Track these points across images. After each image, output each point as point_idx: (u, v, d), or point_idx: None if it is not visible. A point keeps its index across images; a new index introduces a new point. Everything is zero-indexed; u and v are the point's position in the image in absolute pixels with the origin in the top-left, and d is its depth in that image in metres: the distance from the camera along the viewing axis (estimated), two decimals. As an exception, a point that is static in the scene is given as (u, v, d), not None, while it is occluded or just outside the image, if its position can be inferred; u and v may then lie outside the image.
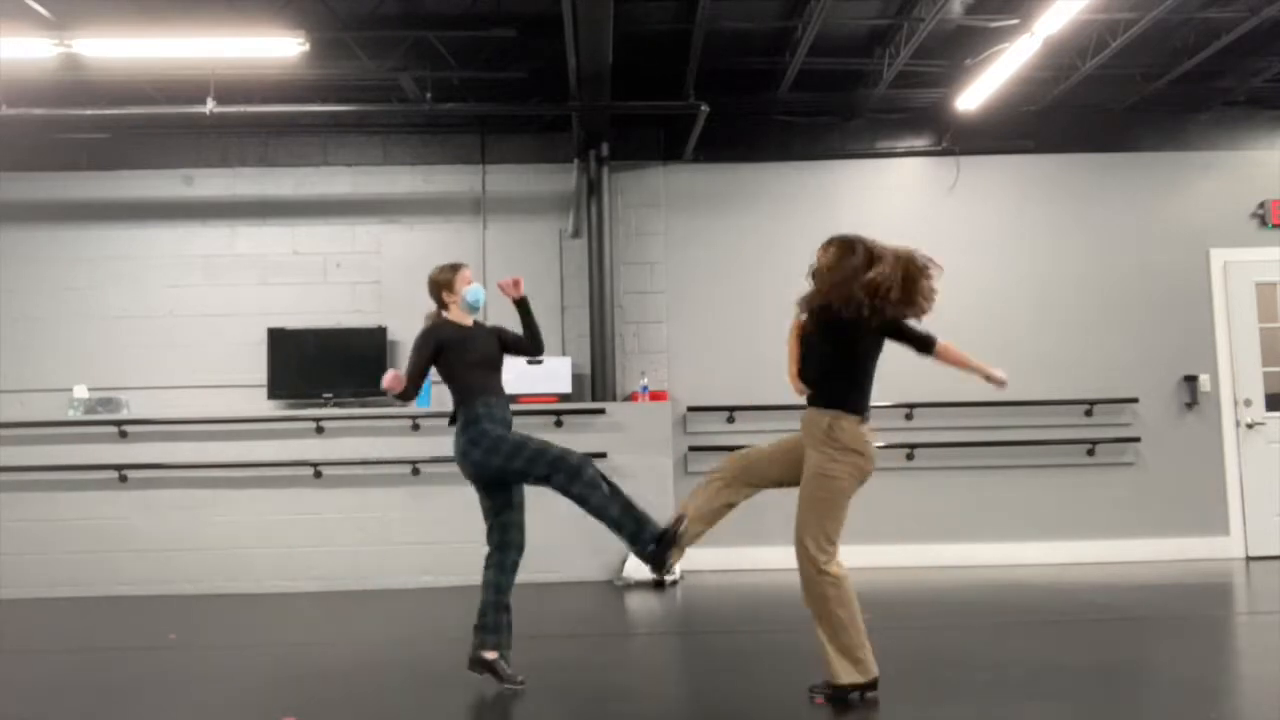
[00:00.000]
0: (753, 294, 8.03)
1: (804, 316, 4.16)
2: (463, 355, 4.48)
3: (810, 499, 4.03)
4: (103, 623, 6.50)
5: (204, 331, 8.02)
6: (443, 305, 4.64)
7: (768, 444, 4.34)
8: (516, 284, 4.71)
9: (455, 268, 4.66)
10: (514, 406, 4.71)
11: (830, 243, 4.15)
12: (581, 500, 4.22)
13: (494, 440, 4.32)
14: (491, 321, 4.93)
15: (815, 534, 4.00)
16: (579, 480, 4.21)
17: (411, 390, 4.39)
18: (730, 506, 4.28)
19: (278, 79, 7.28)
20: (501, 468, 4.31)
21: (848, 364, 4.06)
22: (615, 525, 4.24)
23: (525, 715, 4.11)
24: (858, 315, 3.92)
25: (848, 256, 4.02)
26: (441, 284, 4.63)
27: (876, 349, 4.11)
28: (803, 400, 4.19)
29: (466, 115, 8.02)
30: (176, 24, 6.28)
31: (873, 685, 3.98)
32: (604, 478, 4.26)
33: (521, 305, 4.72)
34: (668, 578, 4.20)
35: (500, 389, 4.55)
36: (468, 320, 4.63)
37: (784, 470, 4.18)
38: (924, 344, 4.16)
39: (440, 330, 4.54)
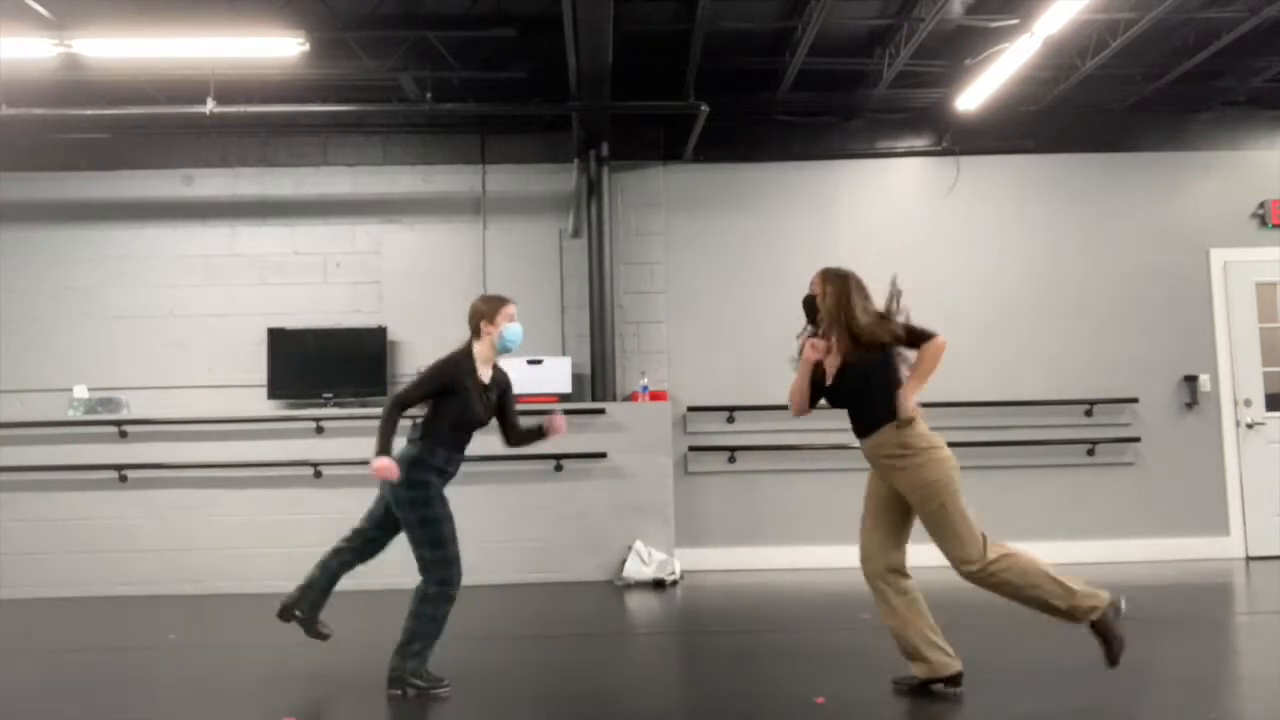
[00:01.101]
0: (753, 294, 8.04)
1: (821, 354, 4.16)
2: (461, 412, 4.29)
3: (931, 517, 3.97)
4: (103, 623, 6.50)
5: (204, 331, 8.02)
6: (476, 334, 4.40)
7: (864, 524, 4.21)
8: (560, 430, 4.54)
9: (501, 300, 4.45)
10: (515, 407, 4.65)
11: (826, 280, 4.17)
12: (416, 612, 4.23)
13: (418, 501, 4.22)
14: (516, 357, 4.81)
15: (960, 543, 3.94)
16: (436, 599, 4.21)
17: (396, 418, 4.25)
18: (911, 599, 4.11)
19: (278, 79, 7.28)
20: (404, 521, 4.26)
21: (888, 378, 4.10)
22: (404, 641, 4.24)
23: (525, 715, 4.10)
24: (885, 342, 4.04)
25: (848, 292, 4.10)
26: (482, 314, 4.39)
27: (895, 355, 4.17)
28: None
29: (466, 115, 8.02)
30: (176, 24, 6.28)
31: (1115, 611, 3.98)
32: (441, 618, 4.25)
33: (542, 437, 4.56)
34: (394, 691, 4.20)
35: (466, 448, 4.42)
36: (489, 365, 4.41)
37: (895, 515, 4.12)
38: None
39: (457, 373, 4.30)
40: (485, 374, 4.40)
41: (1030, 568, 3.94)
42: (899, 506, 4.08)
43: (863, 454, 4.17)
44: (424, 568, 4.26)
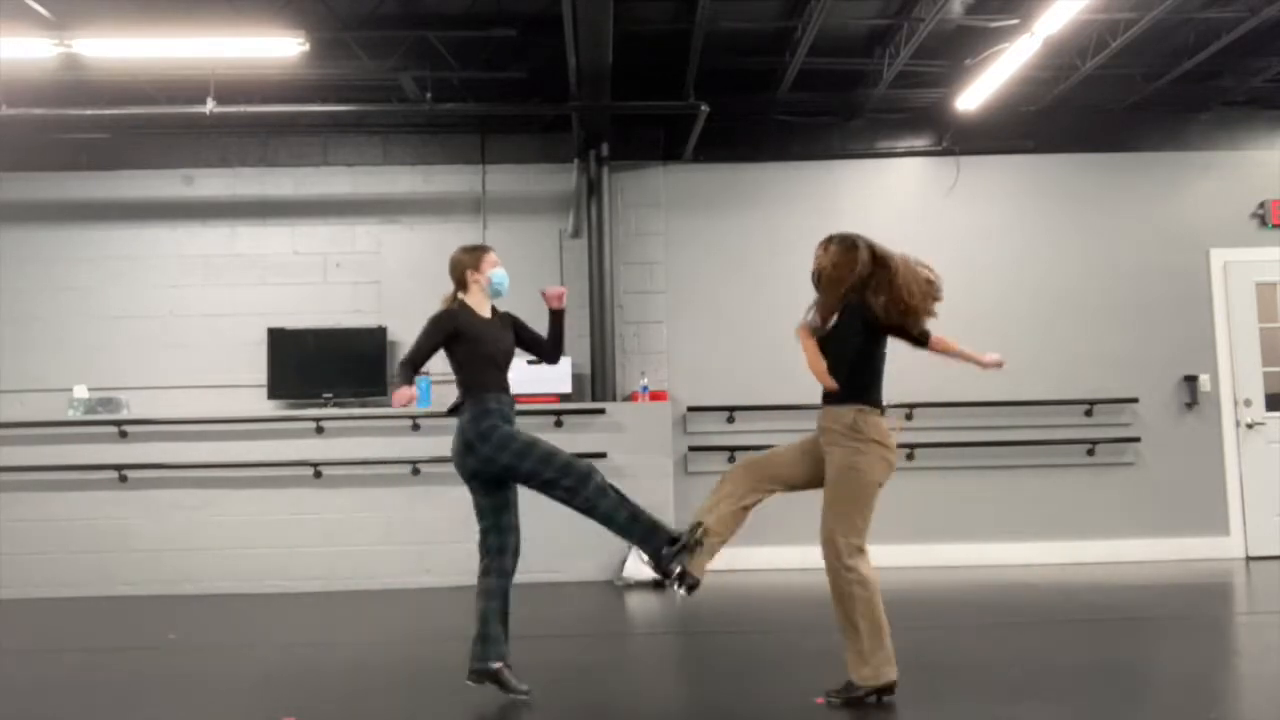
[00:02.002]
0: (753, 294, 8.04)
1: (815, 319, 4.17)
2: (477, 348, 4.31)
3: (837, 496, 4.03)
4: (103, 623, 6.51)
5: (204, 331, 8.02)
6: (462, 286, 4.44)
7: (783, 445, 4.29)
8: (560, 296, 4.56)
9: (481, 248, 4.50)
10: (531, 329, 4.63)
11: (830, 241, 4.19)
12: (589, 508, 4.11)
13: (503, 437, 4.18)
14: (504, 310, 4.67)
15: (845, 531, 4.00)
16: (587, 486, 4.10)
17: (410, 374, 4.22)
18: (746, 510, 4.18)
19: (278, 79, 7.28)
20: (509, 466, 4.17)
21: (866, 359, 4.09)
22: (623, 531, 4.14)
23: (525, 715, 4.10)
24: (874, 313, 4.01)
25: (851, 254, 4.08)
26: (466, 264, 4.42)
27: (885, 342, 4.16)
28: (800, 399, 4.19)
29: (466, 115, 8.02)
30: (176, 24, 6.28)
31: (889, 689, 3.97)
32: (611, 486, 4.15)
33: (558, 316, 4.57)
34: (679, 591, 4.14)
35: (508, 386, 4.40)
36: (486, 308, 4.45)
37: (803, 472, 4.17)
38: (920, 338, 4.23)
39: (457, 317, 4.34)
40: (485, 312, 4.43)
41: (875, 605, 3.98)
42: (817, 471, 4.10)
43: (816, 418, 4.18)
44: (557, 483, 4.13)
